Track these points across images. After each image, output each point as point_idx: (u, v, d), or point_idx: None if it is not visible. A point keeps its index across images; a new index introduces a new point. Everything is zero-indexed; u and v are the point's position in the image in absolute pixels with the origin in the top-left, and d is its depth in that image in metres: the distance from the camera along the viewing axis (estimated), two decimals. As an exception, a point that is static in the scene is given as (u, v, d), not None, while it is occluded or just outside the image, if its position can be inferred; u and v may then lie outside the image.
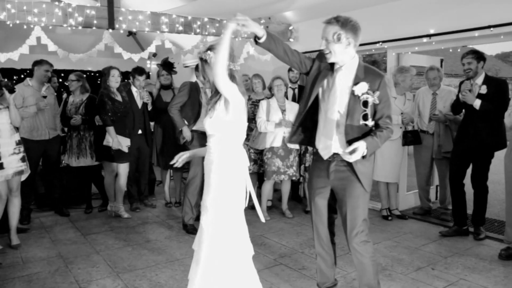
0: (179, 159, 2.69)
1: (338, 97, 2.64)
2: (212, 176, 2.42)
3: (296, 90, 5.74)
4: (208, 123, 2.46)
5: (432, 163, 5.26)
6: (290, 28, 6.34)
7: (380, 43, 5.22)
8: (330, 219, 2.93)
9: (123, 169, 5.16)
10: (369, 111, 2.57)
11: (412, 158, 5.50)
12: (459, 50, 5.42)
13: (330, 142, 2.70)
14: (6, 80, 3.94)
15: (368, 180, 2.69)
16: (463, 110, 4.42)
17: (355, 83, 2.59)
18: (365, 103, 2.56)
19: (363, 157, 2.51)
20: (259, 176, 5.73)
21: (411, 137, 5.07)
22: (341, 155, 2.59)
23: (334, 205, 2.88)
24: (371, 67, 2.71)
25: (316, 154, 2.85)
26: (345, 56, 2.59)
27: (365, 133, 2.60)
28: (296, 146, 5.09)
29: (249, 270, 2.48)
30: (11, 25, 4.58)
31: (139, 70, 5.38)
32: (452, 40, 4.69)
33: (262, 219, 2.58)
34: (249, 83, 5.75)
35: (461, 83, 4.42)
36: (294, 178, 5.16)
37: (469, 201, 4.48)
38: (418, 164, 5.31)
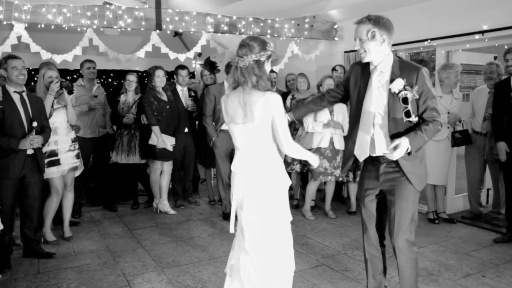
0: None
1: (374, 98, 2.61)
2: (254, 193, 2.42)
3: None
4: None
5: (485, 165, 5.02)
6: (335, 26, 6.26)
7: (429, 40, 5.00)
8: (380, 221, 2.89)
9: (168, 167, 5.28)
10: (410, 107, 2.51)
11: (462, 159, 5.27)
12: (514, 46, 5.13)
13: (368, 138, 2.65)
14: (67, 82, 4.12)
15: (418, 178, 2.63)
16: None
17: (391, 80, 2.55)
18: (405, 100, 2.50)
19: (409, 154, 2.46)
20: (302, 176, 5.70)
21: (460, 138, 4.75)
22: (384, 154, 2.55)
23: (385, 206, 2.82)
24: (407, 61, 2.69)
25: None
26: (380, 54, 2.57)
27: (410, 129, 2.54)
28: (343, 147, 5.01)
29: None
30: (66, 28, 4.82)
31: (180, 66, 5.54)
32: (508, 36, 4.45)
33: (232, 230, 2.50)
34: (294, 82, 5.74)
35: (496, 84, 4.25)
36: (340, 179, 5.08)
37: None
38: (469, 166, 5.08)
